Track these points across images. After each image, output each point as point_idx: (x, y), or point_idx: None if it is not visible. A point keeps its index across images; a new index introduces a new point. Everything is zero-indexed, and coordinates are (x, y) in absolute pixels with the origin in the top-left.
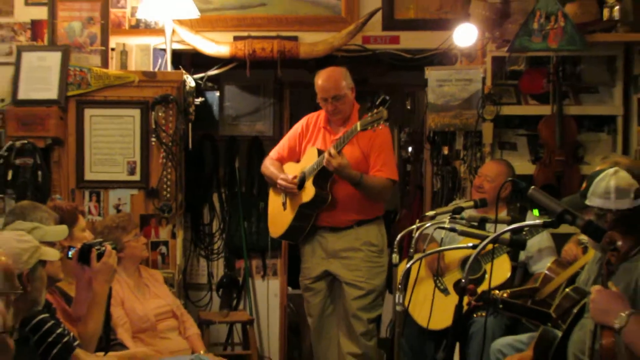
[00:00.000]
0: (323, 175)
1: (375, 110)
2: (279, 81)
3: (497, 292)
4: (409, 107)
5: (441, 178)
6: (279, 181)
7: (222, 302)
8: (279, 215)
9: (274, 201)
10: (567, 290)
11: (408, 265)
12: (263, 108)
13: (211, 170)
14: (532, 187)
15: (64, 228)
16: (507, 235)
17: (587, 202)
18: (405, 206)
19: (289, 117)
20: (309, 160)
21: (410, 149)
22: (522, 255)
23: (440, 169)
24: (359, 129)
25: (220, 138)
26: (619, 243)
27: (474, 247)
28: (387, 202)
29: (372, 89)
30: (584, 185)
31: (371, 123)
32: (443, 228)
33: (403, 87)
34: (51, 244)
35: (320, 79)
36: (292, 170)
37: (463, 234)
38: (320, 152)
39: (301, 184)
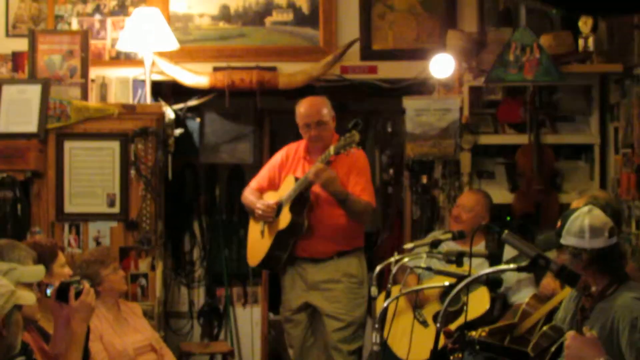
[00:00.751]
0: (299, 202)
1: (347, 134)
2: (259, 109)
3: (473, 332)
4: (390, 130)
5: (420, 207)
6: (257, 208)
7: (203, 330)
8: (257, 244)
9: (253, 230)
10: (544, 328)
11: (385, 304)
12: (243, 135)
13: (192, 197)
14: (506, 231)
15: (40, 269)
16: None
17: (562, 241)
18: (387, 229)
19: (269, 144)
20: (287, 188)
21: (391, 171)
22: (502, 287)
23: (420, 197)
24: (332, 152)
25: (201, 166)
26: (593, 289)
27: (450, 286)
28: (369, 224)
29: (351, 115)
30: (559, 223)
31: (344, 147)
32: (419, 267)
33: (382, 113)
34: (28, 285)
35: (303, 107)
36: (271, 199)
37: (439, 273)
38: (297, 180)
39: (279, 212)
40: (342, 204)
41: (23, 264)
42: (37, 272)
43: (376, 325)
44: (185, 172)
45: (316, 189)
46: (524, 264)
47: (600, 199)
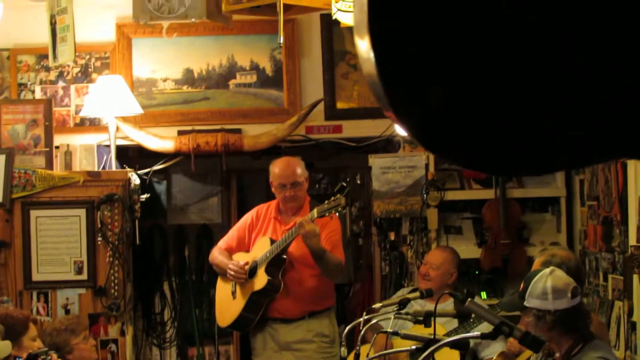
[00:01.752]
0: (275, 264)
1: (332, 198)
2: (225, 169)
3: None
4: (359, 182)
5: (389, 263)
6: (230, 268)
7: None
8: (228, 304)
9: (222, 290)
10: None
11: None
12: (211, 195)
13: (161, 259)
14: (469, 300)
15: (7, 344)
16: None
17: (526, 304)
18: (359, 280)
19: (237, 203)
20: (261, 249)
21: (361, 223)
22: (471, 342)
23: (388, 253)
24: (315, 215)
25: (169, 227)
26: (557, 355)
27: (417, 349)
28: (340, 277)
29: (318, 173)
30: (522, 286)
31: (328, 210)
32: (386, 332)
33: (348, 170)
34: None
35: (278, 167)
36: (242, 260)
37: (406, 337)
38: (273, 242)
39: (252, 273)
40: (319, 260)
41: None
42: (3, 348)
43: None
44: (153, 233)
45: (291, 249)
46: (488, 331)
47: (557, 256)
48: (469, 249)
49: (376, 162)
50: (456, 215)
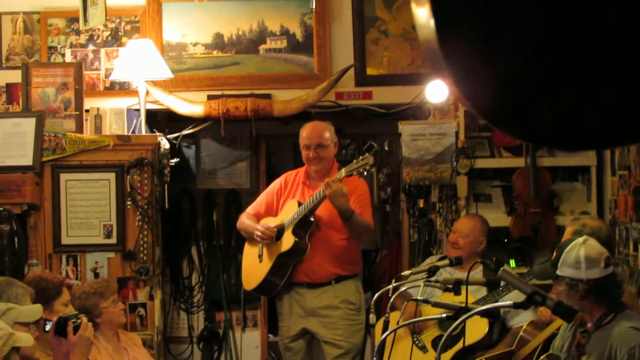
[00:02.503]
0: (303, 225)
1: (361, 157)
2: (254, 134)
3: None
4: (387, 149)
5: (418, 230)
6: (257, 229)
7: (203, 355)
8: (254, 267)
9: (249, 254)
10: (542, 357)
11: (384, 337)
12: (239, 160)
13: (189, 223)
14: (502, 268)
15: (38, 308)
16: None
17: (558, 273)
18: (385, 246)
19: (266, 168)
20: (289, 212)
21: (389, 189)
22: (500, 310)
23: (417, 221)
24: (344, 174)
25: (198, 191)
26: (589, 325)
27: (447, 317)
28: (368, 241)
29: (347, 139)
30: (554, 254)
31: (357, 169)
32: (417, 300)
33: (377, 136)
34: (25, 324)
35: (305, 130)
36: (270, 223)
37: (436, 305)
38: (300, 204)
39: (279, 235)
40: (347, 220)
41: (20, 302)
42: (34, 311)
43: (374, 358)
44: (182, 198)
45: (319, 212)
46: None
47: (588, 226)
48: (498, 217)
49: (406, 129)
50: (486, 183)
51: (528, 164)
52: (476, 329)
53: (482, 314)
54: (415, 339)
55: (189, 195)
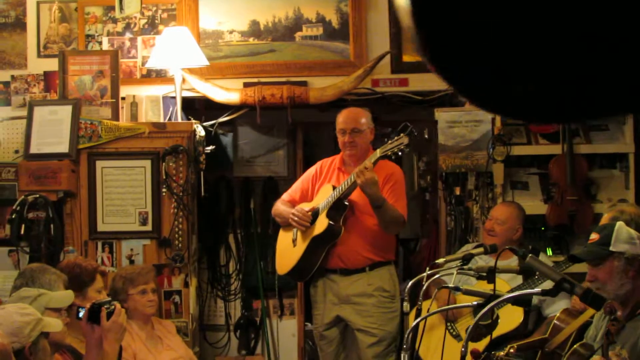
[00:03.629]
0: (337, 208)
1: (395, 137)
2: (291, 121)
3: (501, 353)
4: (426, 136)
5: (454, 218)
6: (293, 214)
7: (240, 343)
8: (288, 251)
9: (284, 238)
10: (575, 346)
11: (414, 323)
12: (277, 148)
13: (227, 211)
14: (530, 255)
15: (69, 294)
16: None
17: (612, 249)
18: (425, 235)
19: (303, 156)
20: (324, 196)
21: (428, 177)
22: (535, 299)
23: (453, 209)
24: (378, 155)
25: (236, 179)
26: (619, 313)
27: (478, 305)
28: (408, 230)
29: (384, 126)
30: (596, 236)
31: (391, 149)
32: (448, 287)
33: (415, 123)
34: (56, 310)
35: (342, 115)
36: (305, 207)
37: (467, 293)
38: (334, 188)
39: (314, 219)
40: (377, 209)
41: (53, 288)
42: (65, 297)
43: (404, 346)
44: (219, 185)
45: (353, 196)
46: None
47: (625, 213)
48: (535, 205)
49: (442, 116)
50: (523, 170)
51: (565, 151)
52: (511, 317)
53: (512, 301)
54: (450, 327)
55: (227, 183)
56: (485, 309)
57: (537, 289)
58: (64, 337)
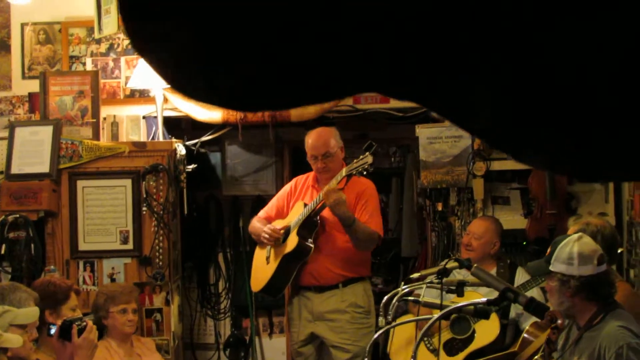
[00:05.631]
0: (307, 226)
1: (361, 157)
2: (277, 140)
3: None
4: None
5: (437, 234)
6: (264, 231)
7: None
8: (262, 268)
9: (259, 256)
10: (535, 357)
11: (375, 336)
12: (265, 167)
13: (216, 230)
14: (475, 265)
15: (34, 310)
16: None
17: (551, 268)
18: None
19: (290, 174)
20: (296, 214)
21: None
22: (513, 313)
23: (436, 224)
24: (344, 174)
25: (225, 198)
26: (559, 322)
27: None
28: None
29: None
30: (549, 250)
31: (356, 168)
32: (406, 300)
33: (401, 140)
34: (21, 327)
35: (311, 138)
36: (278, 225)
37: (426, 305)
38: (306, 205)
39: (285, 237)
40: (348, 228)
41: (23, 305)
42: (29, 314)
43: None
44: (209, 204)
45: (325, 213)
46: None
47: (592, 225)
48: (515, 220)
49: (423, 132)
50: (504, 185)
51: None
52: (487, 332)
53: (473, 313)
54: (426, 342)
55: (216, 202)
56: (432, 320)
57: (483, 299)
58: (29, 354)
